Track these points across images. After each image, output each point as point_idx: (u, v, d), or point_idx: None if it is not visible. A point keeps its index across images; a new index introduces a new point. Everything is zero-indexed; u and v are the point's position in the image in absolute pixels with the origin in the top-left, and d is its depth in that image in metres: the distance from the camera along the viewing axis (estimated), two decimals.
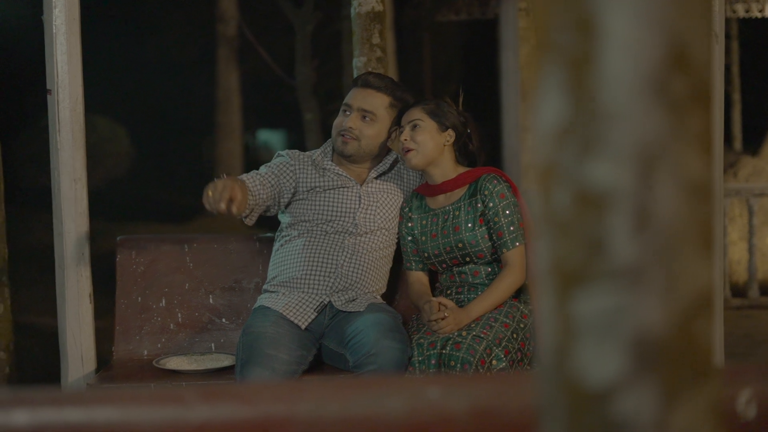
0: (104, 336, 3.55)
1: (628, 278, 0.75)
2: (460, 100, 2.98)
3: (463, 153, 2.95)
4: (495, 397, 1.19)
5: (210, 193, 2.48)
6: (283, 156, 3.02)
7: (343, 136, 2.94)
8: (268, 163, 2.99)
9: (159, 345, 3.04)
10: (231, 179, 2.54)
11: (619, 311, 0.76)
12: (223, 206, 2.47)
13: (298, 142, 17.42)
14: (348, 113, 2.95)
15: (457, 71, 14.38)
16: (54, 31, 2.82)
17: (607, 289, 0.76)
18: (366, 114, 2.93)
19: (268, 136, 17.83)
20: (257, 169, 2.98)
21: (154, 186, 13.74)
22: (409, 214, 3.00)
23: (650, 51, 0.74)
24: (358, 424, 1.17)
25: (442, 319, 2.69)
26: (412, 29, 11.32)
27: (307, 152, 3.09)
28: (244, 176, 2.84)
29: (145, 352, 3.03)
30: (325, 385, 1.20)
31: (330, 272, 2.85)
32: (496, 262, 2.88)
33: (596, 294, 0.76)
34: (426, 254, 2.93)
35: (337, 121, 2.99)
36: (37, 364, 4.39)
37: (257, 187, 2.84)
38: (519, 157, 5.63)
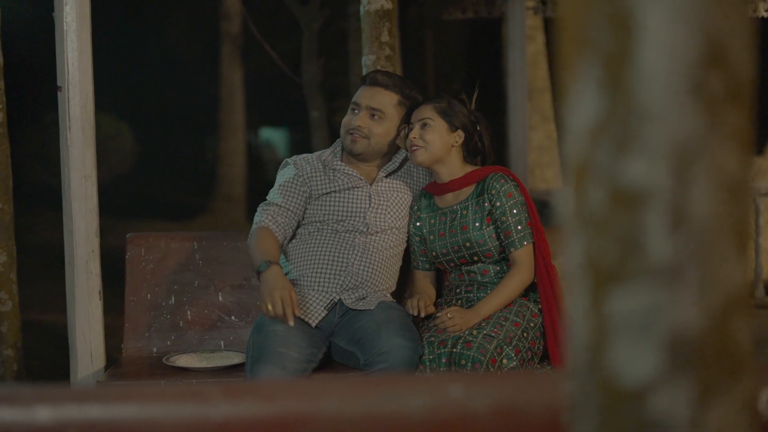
0: (110, 333, 3.54)
1: (664, 276, 0.75)
2: (474, 97, 2.97)
3: (471, 152, 2.95)
4: (517, 395, 1.19)
5: (270, 307, 2.54)
6: (289, 167, 3.00)
7: (352, 134, 2.94)
8: (280, 184, 2.95)
9: (168, 342, 3.04)
10: (283, 288, 2.57)
11: (654, 309, 0.75)
12: (291, 323, 2.54)
13: (302, 140, 17.42)
14: (357, 112, 2.95)
15: (460, 70, 14.37)
16: (65, 28, 2.82)
17: (642, 288, 0.76)
18: (375, 112, 2.92)
19: (272, 134, 17.83)
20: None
21: (158, 183, 13.75)
22: (418, 213, 3.00)
23: (687, 49, 0.74)
24: (379, 421, 1.17)
25: (448, 318, 2.69)
26: (415, 28, 11.32)
27: (315, 153, 3.08)
28: (269, 221, 2.85)
29: (155, 350, 3.03)
30: (347, 383, 1.20)
31: (340, 270, 2.85)
32: (504, 261, 2.88)
33: (632, 292, 0.76)
34: (434, 253, 2.93)
35: (345, 120, 2.99)
36: (43, 361, 4.39)
37: (284, 227, 2.88)
38: (525, 156, 5.62)
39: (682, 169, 0.75)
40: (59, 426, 1.15)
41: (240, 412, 1.17)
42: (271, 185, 3.02)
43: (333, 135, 9.14)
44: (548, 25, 9.36)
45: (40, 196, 10.21)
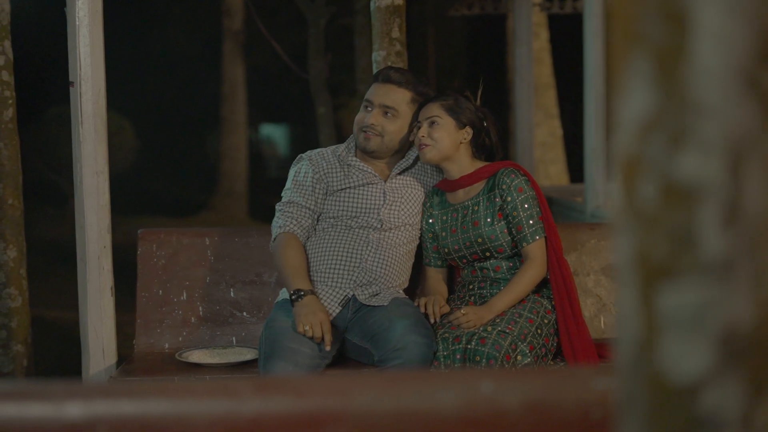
0: (118, 329, 3.54)
1: (717, 272, 0.75)
2: (479, 93, 2.97)
3: (480, 148, 2.95)
4: (549, 391, 1.19)
5: (308, 328, 2.62)
6: (304, 162, 2.99)
7: (365, 132, 2.93)
8: (297, 181, 2.96)
9: (180, 338, 3.04)
10: (322, 313, 2.65)
11: (707, 305, 0.75)
12: (328, 349, 2.63)
13: (301, 136, 17.42)
14: (370, 109, 2.94)
15: (461, 66, 14.36)
16: (77, 23, 2.81)
17: (695, 283, 0.75)
18: (388, 110, 2.92)
19: (274, 131, 17.81)
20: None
21: (159, 180, 13.75)
22: (430, 210, 2.99)
23: (742, 43, 0.74)
24: (411, 417, 1.17)
25: (462, 314, 2.69)
26: (416, 24, 11.31)
27: (329, 147, 3.08)
28: (294, 225, 2.87)
29: (167, 346, 3.03)
30: (379, 379, 1.19)
31: (354, 266, 2.84)
32: (517, 256, 2.88)
33: (684, 288, 0.76)
34: (446, 249, 2.93)
35: (358, 118, 2.98)
36: (51, 357, 4.39)
37: (307, 229, 2.91)
38: (531, 153, 5.62)
39: (737, 164, 0.74)
40: (90, 422, 1.14)
41: (271, 407, 1.17)
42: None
43: (338, 131, 9.16)
44: (552, 22, 9.35)
45: (43, 192, 10.20)
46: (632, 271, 0.80)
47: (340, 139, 8.31)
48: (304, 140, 17.29)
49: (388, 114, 2.92)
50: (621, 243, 0.82)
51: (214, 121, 13.35)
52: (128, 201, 10.96)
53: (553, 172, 8.80)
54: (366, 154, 2.97)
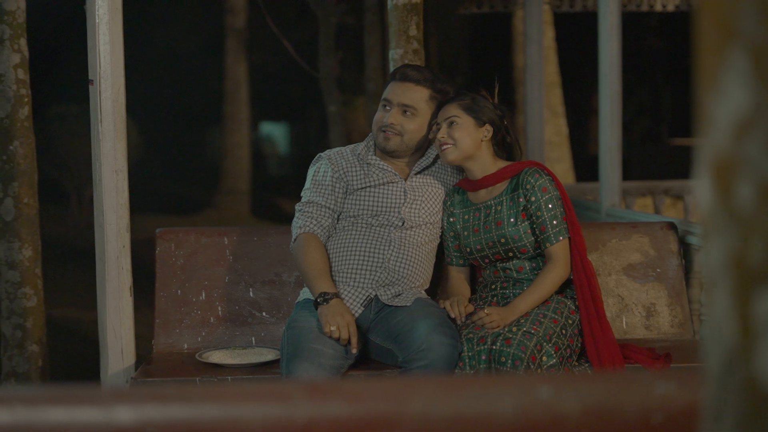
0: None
1: None
2: (496, 91, 2.94)
3: (501, 146, 2.93)
4: (609, 396, 1.17)
5: (334, 328, 2.60)
6: (323, 162, 2.96)
7: (384, 132, 2.90)
8: (317, 181, 2.93)
9: (199, 339, 3.02)
10: (348, 315, 2.63)
11: None
12: (354, 351, 2.63)
13: (306, 134, 17.39)
14: (388, 108, 2.91)
15: (463, 65, 14.35)
16: (97, 20, 2.78)
17: None
18: (407, 109, 2.89)
19: (277, 129, 17.79)
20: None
21: (162, 177, 13.72)
22: (451, 209, 2.97)
23: None
24: (467, 423, 1.15)
25: (486, 315, 2.67)
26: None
27: (348, 147, 3.05)
28: (314, 225, 2.85)
29: (185, 346, 3.01)
30: (434, 384, 1.17)
31: (377, 266, 2.82)
32: (540, 256, 2.86)
33: None
34: (468, 249, 2.90)
35: (377, 117, 2.95)
36: (66, 356, 4.36)
37: (328, 229, 2.89)
38: (542, 150, 5.60)
39: None
40: (140, 426, 1.12)
41: (324, 412, 1.15)
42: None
43: (347, 129, 9.12)
44: (558, 20, 9.33)
45: (43, 190, 10.16)
46: (726, 275, 0.78)
47: (350, 137, 8.29)
48: (307, 138, 17.27)
49: (407, 113, 2.89)
50: (714, 246, 0.79)
51: (217, 119, 13.33)
52: (131, 199, 10.92)
53: (559, 170, 8.78)
54: (386, 153, 2.95)
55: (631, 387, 1.20)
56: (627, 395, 1.18)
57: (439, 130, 2.85)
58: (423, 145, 2.98)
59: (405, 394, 1.17)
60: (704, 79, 0.78)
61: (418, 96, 2.90)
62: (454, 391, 1.17)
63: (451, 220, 2.96)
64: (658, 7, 6.67)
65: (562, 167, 8.89)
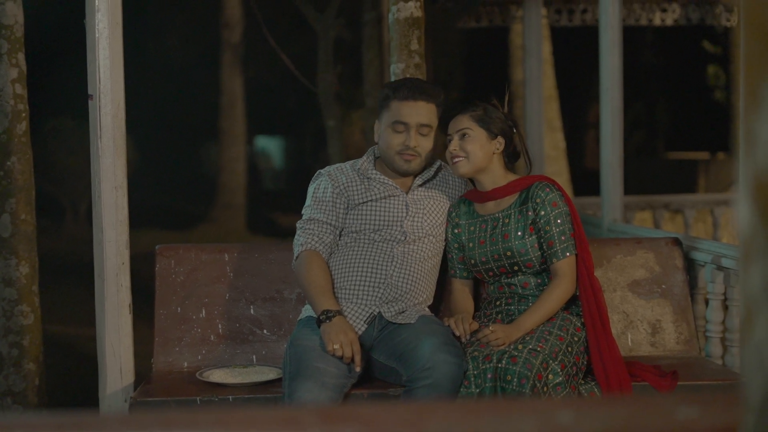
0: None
1: None
2: (506, 100, 2.91)
3: (511, 158, 2.90)
4: (630, 422, 1.13)
5: (337, 346, 2.56)
6: (323, 178, 2.93)
7: (403, 154, 2.85)
8: (317, 198, 2.89)
9: (199, 357, 2.97)
10: (351, 333, 2.60)
11: None
12: (358, 370, 2.60)
13: (302, 148, 17.36)
14: (403, 131, 2.85)
15: (459, 79, 14.34)
16: (96, 35, 2.75)
17: None
18: (423, 128, 2.85)
19: (272, 143, 17.76)
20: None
21: (158, 192, 13.67)
22: (456, 220, 2.93)
23: None
24: None
25: (491, 332, 2.63)
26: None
27: (347, 162, 3.01)
28: (316, 242, 2.82)
29: (185, 364, 2.96)
30: (452, 408, 1.13)
31: (380, 282, 2.78)
32: (545, 272, 2.82)
33: None
34: (473, 261, 2.87)
35: (394, 141, 2.85)
36: (63, 375, 4.31)
37: (330, 246, 2.86)
38: (542, 164, 5.57)
39: None
40: None
41: None
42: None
43: (345, 144, 9.08)
44: (554, 34, 9.33)
45: (40, 204, 10.11)
46: (766, 300, 0.74)
47: (347, 151, 8.24)
48: (303, 152, 17.25)
49: (424, 133, 2.86)
50: (755, 269, 0.76)
51: (213, 133, 13.30)
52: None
53: None
54: (402, 175, 2.91)
55: (653, 412, 1.16)
56: (649, 420, 1.14)
57: (450, 141, 2.82)
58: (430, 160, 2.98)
59: (422, 419, 1.13)
60: (747, 97, 0.74)
61: (432, 113, 2.87)
62: (474, 416, 1.14)
63: (456, 231, 2.93)
64: (657, 21, 6.67)
65: (560, 181, 8.87)
